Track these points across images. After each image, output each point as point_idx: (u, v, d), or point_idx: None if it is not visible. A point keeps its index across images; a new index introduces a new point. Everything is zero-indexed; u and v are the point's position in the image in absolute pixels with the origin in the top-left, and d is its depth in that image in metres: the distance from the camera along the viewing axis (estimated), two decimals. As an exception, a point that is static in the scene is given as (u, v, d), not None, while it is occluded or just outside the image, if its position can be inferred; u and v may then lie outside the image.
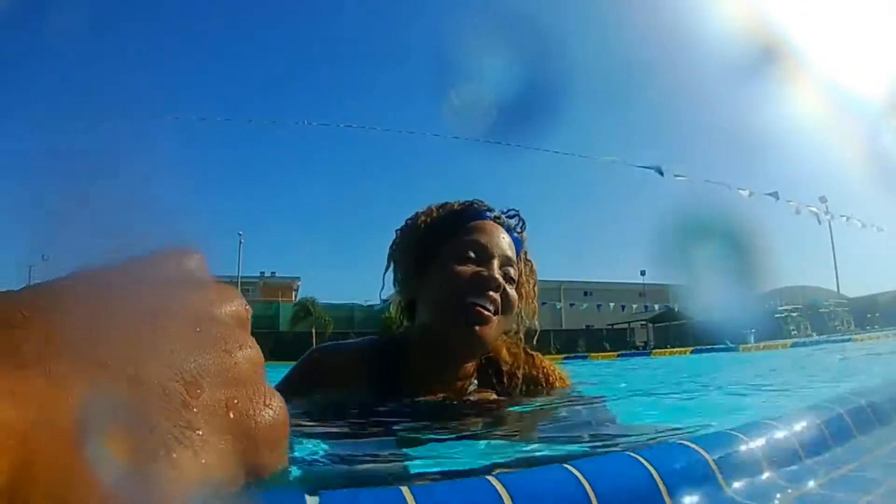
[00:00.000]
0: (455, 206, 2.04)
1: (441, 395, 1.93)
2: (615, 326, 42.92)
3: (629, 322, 42.76)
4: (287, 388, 1.86)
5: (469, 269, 1.86)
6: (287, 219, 67.46)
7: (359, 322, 39.67)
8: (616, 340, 38.38)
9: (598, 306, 40.45)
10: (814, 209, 21.85)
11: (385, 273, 2.07)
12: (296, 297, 45.64)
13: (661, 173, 16.13)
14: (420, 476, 1.06)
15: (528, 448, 1.37)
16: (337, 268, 66.23)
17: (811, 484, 0.86)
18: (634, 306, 41.34)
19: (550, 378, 2.16)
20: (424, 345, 1.94)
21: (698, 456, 0.79)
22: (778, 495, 0.80)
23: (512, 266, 1.94)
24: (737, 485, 0.79)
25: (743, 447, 0.86)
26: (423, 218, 2.04)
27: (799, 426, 1.00)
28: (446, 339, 1.87)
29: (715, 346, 13.19)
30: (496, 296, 1.84)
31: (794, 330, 28.23)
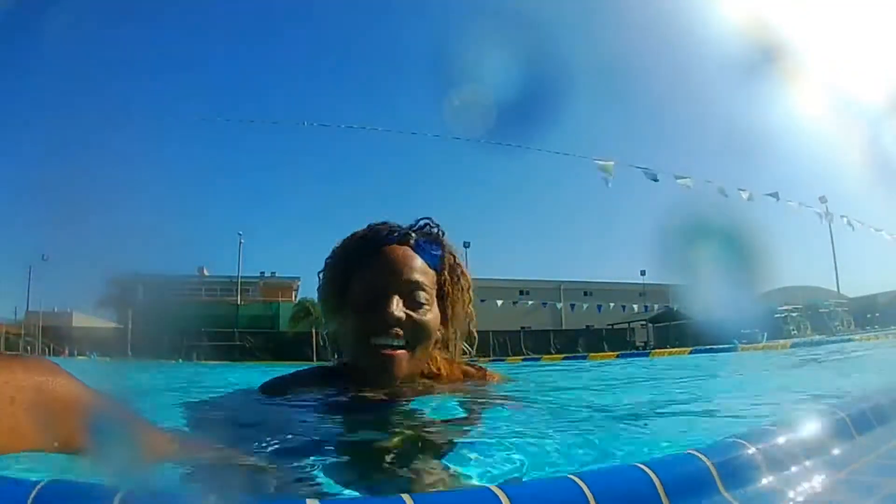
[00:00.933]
0: (358, 236, 2.09)
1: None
2: (615, 327, 42.84)
3: (629, 322, 42.70)
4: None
5: (368, 311, 1.91)
6: (287, 218, 67.33)
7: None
8: (616, 341, 38.30)
9: (599, 306, 40.42)
10: (815, 209, 21.83)
11: (321, 310, 2.19)
12: (296, 297, 45.52)
13: (656, 179, 16.12)
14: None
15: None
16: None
17: (811, 488, 0.86)
18: (635, 306, 41.34)
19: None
20: (356, 373, 2.01)
21: (700, 464, 0.79)
22: (778, 502, 0.80)
23: (421, 289, 1.96)
24: (737, 491, 0.79)
25: (745, 455, 0.85)
26: (330, 259, 2.12)
27: (798, 430, 0.99)
28: (365, 377, 1.95)
29: (714, 347, 13.16)
30: (399, 330, 1.89)
31: (793, 330, 28.18)
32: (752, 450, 0.86)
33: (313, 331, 35.81)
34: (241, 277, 45.56)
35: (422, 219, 2.09)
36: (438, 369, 2.11)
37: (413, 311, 1.92)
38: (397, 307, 1.89)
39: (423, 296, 1.95)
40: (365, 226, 2.09)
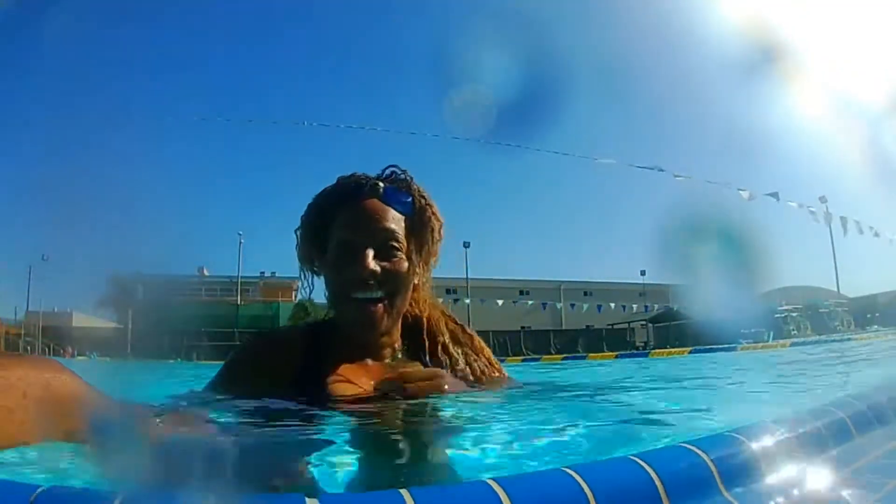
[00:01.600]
0: (327, 191, 2.11)
1: (360, 370, 2.01)
2: (615, 327, 42.83)
3: (629, 322, 42.70)
4: (218, 379, 2.06)
5: (344, 266, 1.95)
6: (287, 218, 67.27)
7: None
8: (616, 340, 38.33)
9: (599, 306, 40.36)
10: (813, 209, 21.83)
11: (300, 272, 2.19)
12: (296, 297, 45.44)
13: (661, 170, 16.13)
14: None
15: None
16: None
17: (811, 486, 0.85)
18: (634, 306, 41.32)
19: (485, 354, 2.27)
20: (341, 330, 2.06)
21: (698, 458, 0.79)
22: (779, 498, 0.80)
23: (394, 239, 1.99)
24: (736, 488, 0.79)
25: (742, 449, 0.85)
26: (304, 216, 2.14)
27: (799, 428, 0.99)
28: (349, 330, 2.02)
29: (713, 347, 13.17)
30: (375, 283, 1.93)
31: (793, 330, 28.20)
32: (749, 445, 0.86)
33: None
34: (241, 277, 45.58)
35: (388, 167, 2.12)
36: (419, 312, 2.20)
37: (387, 261, 1.96)
38: (371, 261, 1.92)
39: (395, 245, 1.99)
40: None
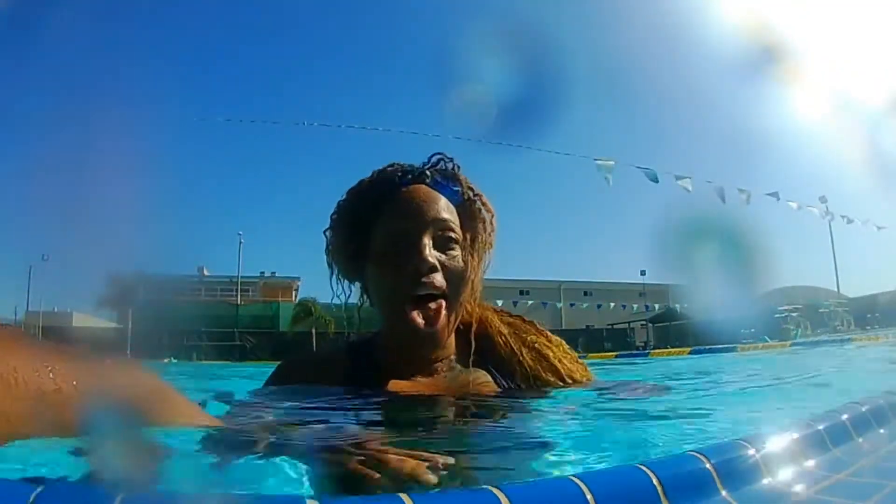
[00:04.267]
0: (367, 183, 1.86)
1: (415, 388, 1.77)
2: (615, 326, 42.78)
3: (629, 322, 42.66)
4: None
5: (397, 262, 1.69)
6: (288, 218, 67.23)
7: (359, 323, 39.06)
8: (616, 340, 38.28)
9: (599, 306, 40.38)
10: (814, 209, 21.83)
11: (331, 279, 1.92)
12: (296, 296, 45.52)
13: (656, 180, 16.12)
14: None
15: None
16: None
17: (811, 490, 0.85)
18: (635, 306, 41.30)
19: (565, 361, 1.93)
20: (390, 342, 1.84)
21: (698, 463, 0.79)
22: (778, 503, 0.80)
23: (451, 229, 1.74)
24: (736, 492, 0.79)
25: (743, 454, 0.85)
26: (337, 214, 1.88)
27: (798, 432, 0.99)
28: (402, 340, 1.75)
29: (713, 347, 13.15)
30: (434, 278, 1.68)
31: (794, 330, 28.16)
32: (752, 451, 0.86)
33: (314, 331, 35.80)
34: (242, 277, 45.59)
35: (434, 154, 1.85)
36: (470, 315, 1.88)
37: (445, 254, 1.72)
38: (430, 252, 1.68)
39: (452, 236, 1.74)
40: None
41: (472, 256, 1.80)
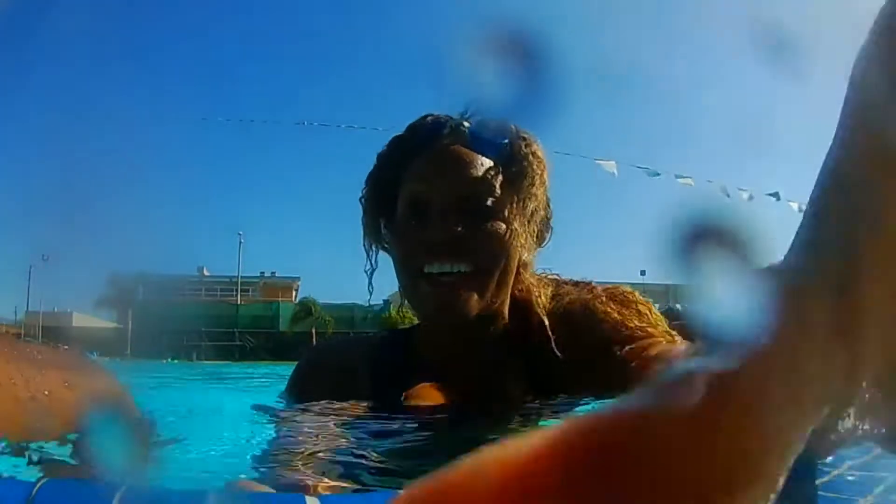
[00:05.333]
0: (395, 141, 1.56)
1: (440, 394, 1.47)
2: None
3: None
4: (287, 395, 1.64)
5: (411, 228, 1.45)
6: (287, 218, 67.12)
7: (359, 322, 39.55)
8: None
9: (598, 306, 40.24)
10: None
11: (369, 259, 1.63)
12: (296, 296, 45.39)
13: (658, 174, 16.14)
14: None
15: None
16: (337, 267, 65.79)
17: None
18: (635, 306, 41.20)
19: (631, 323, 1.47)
20: (422, 331, 1.60)
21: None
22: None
23: (484, 195, 1.42)
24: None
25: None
26: (372, 170, 1.59)
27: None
28: (423, 321, 1.55)
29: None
30: (448, 252, 1.39)
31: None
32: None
33: (314, 330, 35.69)
34: (242, 277, 45.49)
35: (473, 102, 1.51)
36: (527, 293, 1.53)
37: (477, 225, 1.41)
38: (446, 225, 1.39)
39: (486, 202, 1.42)
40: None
41: (522, 224, 1.46)
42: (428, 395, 1.45)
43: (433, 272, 1.39)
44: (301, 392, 1.60)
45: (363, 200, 1.58)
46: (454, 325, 1.43)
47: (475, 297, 1.39)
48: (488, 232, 1.40)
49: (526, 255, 1.50)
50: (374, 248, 1.60)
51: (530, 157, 1.47)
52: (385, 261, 1.58)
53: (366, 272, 1.62)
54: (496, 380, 1.48)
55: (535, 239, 1.52)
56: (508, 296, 1.48)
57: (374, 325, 37.97)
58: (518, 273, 1.50)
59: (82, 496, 0.62)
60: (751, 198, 19.56)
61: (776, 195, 19.64)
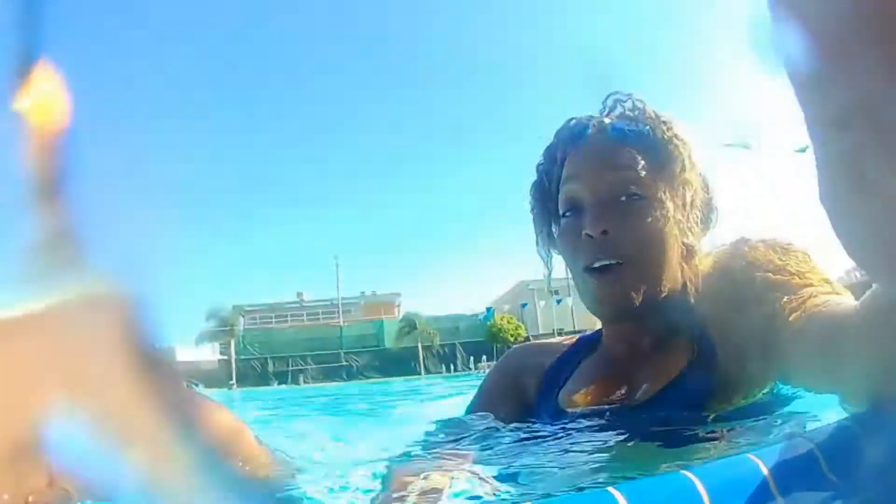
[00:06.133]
0: (549, 147, 1.60)
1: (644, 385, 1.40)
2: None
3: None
4: (481, 394, 1.69)
5: (568, 227, 1.47)
6: (383, 235, 68.19)
7: (464, 332, 40.08)
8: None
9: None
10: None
11: (546, 265, 1.65)
12: (398, 312, 46.30)
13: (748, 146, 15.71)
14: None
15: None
16: (436, 280, 66.49)
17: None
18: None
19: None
20: (603, 327, 1.58)
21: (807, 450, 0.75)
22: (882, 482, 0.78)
23: (630, 184, 1.41)
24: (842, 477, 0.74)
25: (853, 439, 0.81)
26: (537, 166, 1.63)
27: None
28: (595, 316, 1.52)
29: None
30: (603, 246, 1.38)
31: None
32: (857, 431, 0.82)
33: (419, 344, 36.24)
34: (342, 299, 46.54)
35: (610, 95, 1.54)
36: (685, 283, 1.46)
37: (625, 219, 1.39)
38: (599, 221, 1.38)
39: (633, 192, 1.40)
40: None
41: (674, 208, 1.42)
42: (603, 391, 1.46)
43: (595, 267, 1.40)
44: (494, 394, 1.66)
45: (531, 210, 1.64)
46: (616, 317, 1.45)
47: (634, 288, 1.39)
48: (640, 223, 1.41)
49: (692, 241, 1.46)
50: (549, 253, 1.63)
51: (675, 140, 1.48)
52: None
53: (544, 278, 1.69)
54: (669, 370, 1.43)
55: (699, 224, 1.49)
56: (677, 283, 1.44)
57: (480, 334, 38.75)
58: (689, 259, 1.47)
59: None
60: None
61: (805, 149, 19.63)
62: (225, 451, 0.92)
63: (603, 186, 1.42)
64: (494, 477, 1.00)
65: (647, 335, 1.45)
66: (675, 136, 1.47)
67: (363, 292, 50.50)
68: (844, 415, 0.90)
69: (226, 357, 36.26)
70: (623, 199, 1.41)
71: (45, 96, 0.70)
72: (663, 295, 1.41)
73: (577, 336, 1.70)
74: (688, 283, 1.45)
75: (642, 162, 1.43)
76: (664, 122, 1.48)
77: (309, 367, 35.96)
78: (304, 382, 32.51)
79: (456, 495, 0.91)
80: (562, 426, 1.35)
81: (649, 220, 1.40)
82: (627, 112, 1.52)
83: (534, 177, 1.62)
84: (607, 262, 1.38)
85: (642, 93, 1.49)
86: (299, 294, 49.20)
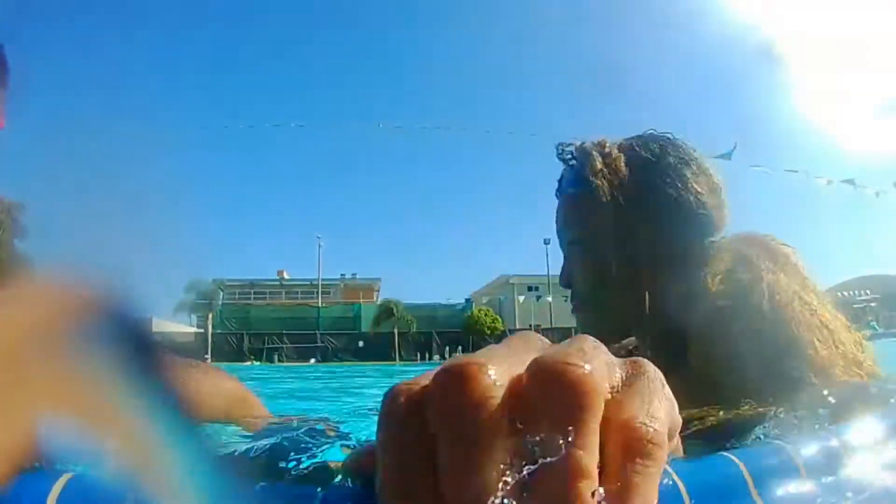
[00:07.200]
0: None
1: None
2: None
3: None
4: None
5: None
6: (367, 220, 67.92)
7: (441, 322, 39.92)
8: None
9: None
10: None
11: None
12: (377, 297, 45.95)
13: (730, 158, 15.89)
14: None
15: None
16: (417, 267, 66.27)
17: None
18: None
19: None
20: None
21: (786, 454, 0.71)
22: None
23: (575, 234, 1.50)
24: (824, 480, 0.71)
25: (828, 444, 0.77)
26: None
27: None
28: None
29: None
30: (572, 291, 1.55)
31: (873, 321, 27.08)
32: (835, 441, 0.78)
33: (395, 331, 36.12)
34: (322, 280, 46.09)
35: (559, 144, 1.55)
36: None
37: (576, 260, 1.52)
38: (566, 263, 1.54)
39: (577, 237, 1.50)
40: None
41: (627, 242, 1.43)
42: None
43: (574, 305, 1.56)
44: None
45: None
46: (605, 341, 1.27)
47: (586, 323, 1.54)
48: (573, 266, 1.54)
49: (663, 265, 1.42)
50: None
51: (600, 180, 1.46)
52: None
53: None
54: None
55: (669, 246, 1.43)
56: (648, 307, 1.43)
57: (457, 324, 38.61)
58: (674, 277, 1.41)
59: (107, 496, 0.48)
60: (829, 183, 19.50)
61: (852, 182, 19.64)
62: (231, 415, 0.95)
63: (562, 241, 1.57)
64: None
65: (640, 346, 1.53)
66: (617, 167, 1.46)
67: (343, 275, 50.15)
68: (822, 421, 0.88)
69: (202, 330, 35.84)
70: (574, 247, 1.54)
71: None
72: (616, 323, 1.50)
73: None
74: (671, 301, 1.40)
75: (589, 205, 1.45)
76: (605, 167, 1.47)
77: (284, 345, 35.49)
78: (279, 361, 32.20)
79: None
80: None
81: (579, 262, 1.53)
82: (569, 159, 1.54)
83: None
84: (574, 303, 1.56)
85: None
86: (279, 272, 48.77)
